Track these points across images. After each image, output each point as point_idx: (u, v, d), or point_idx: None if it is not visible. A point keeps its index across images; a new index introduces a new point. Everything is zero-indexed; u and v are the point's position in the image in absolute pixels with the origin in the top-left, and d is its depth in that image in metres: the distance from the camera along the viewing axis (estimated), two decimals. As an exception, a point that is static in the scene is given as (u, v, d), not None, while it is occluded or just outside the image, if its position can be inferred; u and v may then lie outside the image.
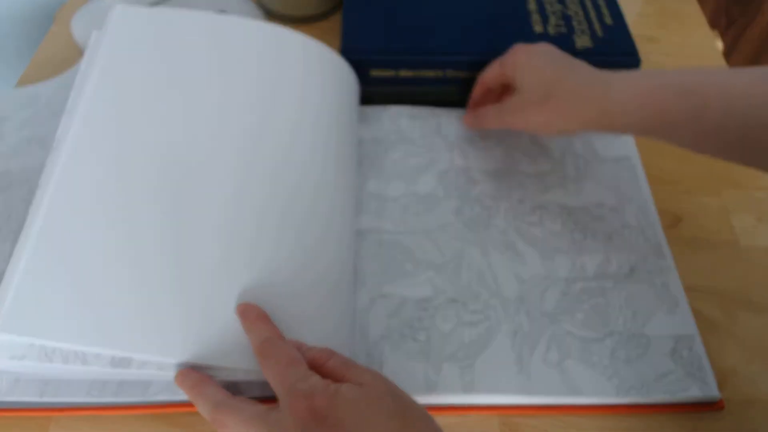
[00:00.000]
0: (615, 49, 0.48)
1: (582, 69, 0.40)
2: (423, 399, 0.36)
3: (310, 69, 0.44)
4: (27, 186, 0.43)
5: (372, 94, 0.50)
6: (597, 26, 0.49)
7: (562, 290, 0.40)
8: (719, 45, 0.58)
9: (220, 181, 0.37)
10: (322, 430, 0.27)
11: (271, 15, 0.61)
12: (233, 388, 0.33)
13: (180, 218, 0.35)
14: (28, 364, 0.32)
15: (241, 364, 0.33)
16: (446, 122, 0.49)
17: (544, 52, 0.42)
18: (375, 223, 0.43)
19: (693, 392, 0.36)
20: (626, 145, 0.48)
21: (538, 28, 0.49)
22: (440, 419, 0.30)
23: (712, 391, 0.36)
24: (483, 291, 0.40)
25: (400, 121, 0.49)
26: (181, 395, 0.35)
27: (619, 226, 0.43)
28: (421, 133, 0.48)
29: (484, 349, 0.38)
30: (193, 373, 0.32)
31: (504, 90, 0.46)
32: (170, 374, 0.32)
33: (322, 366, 0.30)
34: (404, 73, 0.49)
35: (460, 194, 0.45)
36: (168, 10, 0.43)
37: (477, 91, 0.47)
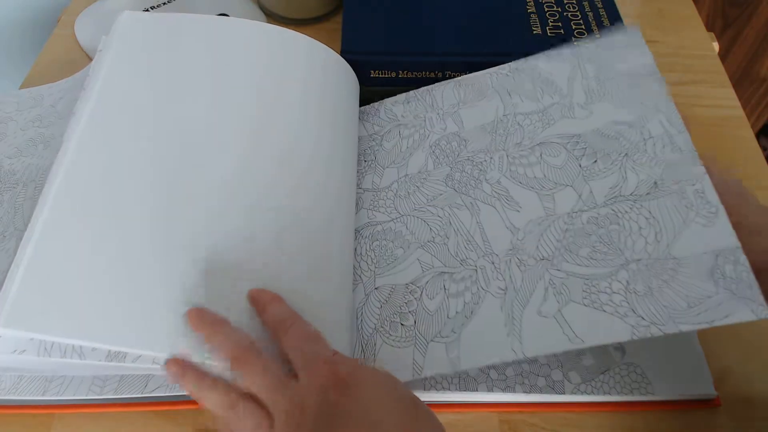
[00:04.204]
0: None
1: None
2: (422, 395, 0.36)
3: (311, 69, 0.44)
4: (32, 185, 0.43)
5: (372, 94, 0.51)
6: (595, 28, 0.50)
7: (563, 227, 0.35)
8: (716, 46, 0.58)
9: (223, 180, 0.37)
10: (340, 394, 0.28)
11: (273, 17, 0.61)
12: None
13: (181, 218, 0.36)
14: (28, 358, 0.32)
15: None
16: (440, 94, 0.47)
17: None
18: (369, 217, 0.43)
19: (741, 315, 0.29)
20: (648, 58, 0.40)
21: (536, 29, 0.50)
22: (440, 417, 0.30)
23: (764, 312, 0.29)
24: (471, 254, 0.38)
25: (395, 109, 0.48)
26: (179, 390, 0.35)
27: (639, 139, 0.36)
28: (414, 115, 0.47)
29: (471, 318, 0.35)
30: (209, 313, 0.32)
31: None
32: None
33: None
34: (404, 73, 0.49)
35: (451, 159, 0.43)
36: (172, 15, 0.44)
37: None
